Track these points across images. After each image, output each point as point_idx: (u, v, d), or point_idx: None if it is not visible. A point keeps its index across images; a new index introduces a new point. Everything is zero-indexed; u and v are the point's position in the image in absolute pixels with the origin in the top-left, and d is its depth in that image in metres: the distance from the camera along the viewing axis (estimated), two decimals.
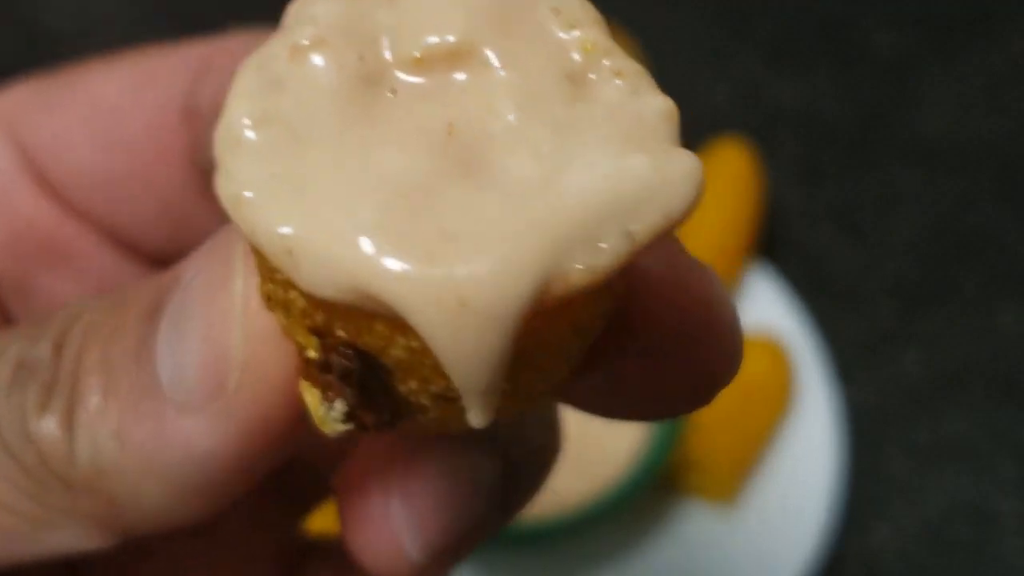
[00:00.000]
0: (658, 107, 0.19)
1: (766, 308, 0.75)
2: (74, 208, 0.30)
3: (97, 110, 0.29)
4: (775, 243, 0.80)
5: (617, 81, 0.19)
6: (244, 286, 0.22)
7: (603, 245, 0.18)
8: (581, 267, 0.18)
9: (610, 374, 0.23)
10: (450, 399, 0.20)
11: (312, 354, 0.21)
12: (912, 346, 0.77)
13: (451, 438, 0.26)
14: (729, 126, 0.81)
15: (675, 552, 0.69)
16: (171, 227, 0.30)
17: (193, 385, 0.22)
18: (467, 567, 0.68)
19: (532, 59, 0.19)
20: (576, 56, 0.19)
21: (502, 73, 0.19)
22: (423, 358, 0.19)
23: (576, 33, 0.19)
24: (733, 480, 0.69)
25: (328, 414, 0.21)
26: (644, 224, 0.18)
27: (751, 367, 0.70)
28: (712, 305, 0.24)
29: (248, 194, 0.18)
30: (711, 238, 0.72)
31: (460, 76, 0.19)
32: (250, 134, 0.18)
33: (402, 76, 0.19)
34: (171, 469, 0.22)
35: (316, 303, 0.19)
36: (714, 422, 0.69)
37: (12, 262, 0.30)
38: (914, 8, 0.91)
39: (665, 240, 0.21)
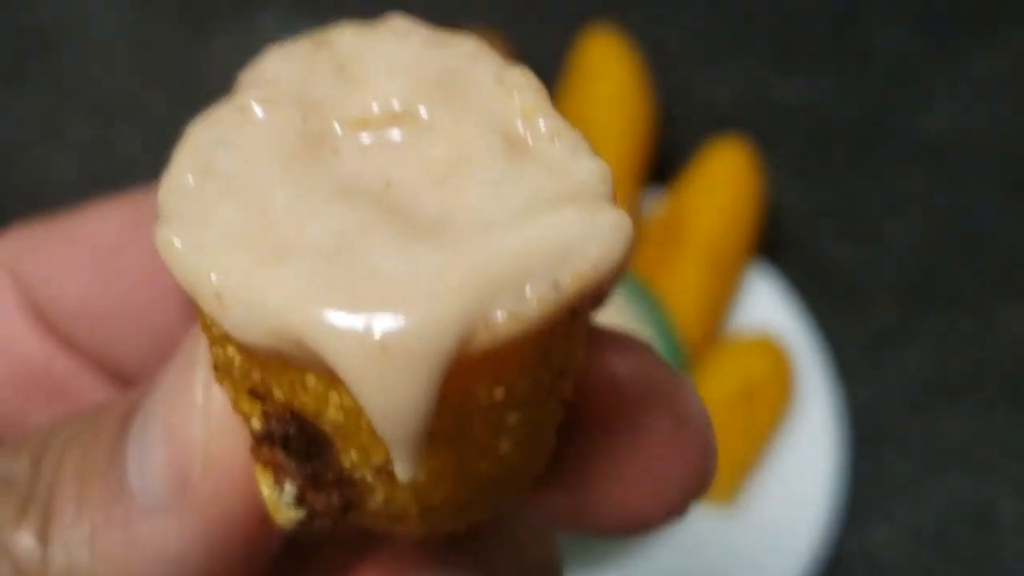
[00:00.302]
0: (593, 168, 0.19)
1: (767, 308, 0.75)
2: (72, 344, 0.31)
3: (94, 250, 0.30)
4: (776, 243, 0.80)
5: (555, 143, 0.20)
6: (204, 380, 0.22)
7: (530, 294, 0.18)
8: (505, 315, 0.18)
9: (576, 486, 0.23)
10: (392, 474, 0.20)
11: (256, 424, 0.21)
12: (913, 346, 0.77)
13: (434, 555, 0.25)
14: (729, 126, 0.81)
15: (675, 552, 0.69)
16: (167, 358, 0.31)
17: (159, 485, 0.22)
18: None
19: (472, 121, 0.20)
20: (515, 119, 0.20)
21: (441, 134, 0.20)
22: (359, 420, 0.19)
23: (516, 98, 0.20)
24: (733, 480, 0.69)
25: (280, 499, 0.21)
26: (571, 274, 0.18)
27: (751, 367, 0.70)
28: (684, 415, 0.24)
29: (178, 242, 0.19)
30: (711, 238, 0.72)
31: (400, 136, 0.20)
32: (189, 185, 0.19)
33: (344, 137, 0.20)
34: (144, 574, 0.23)
35: (251, 358, 0.20)
36: (714, 422, 0.69)
37: (9, 397, 0.31)
38: (916, 8, 0.91)
39: (638, 350, 0.22)
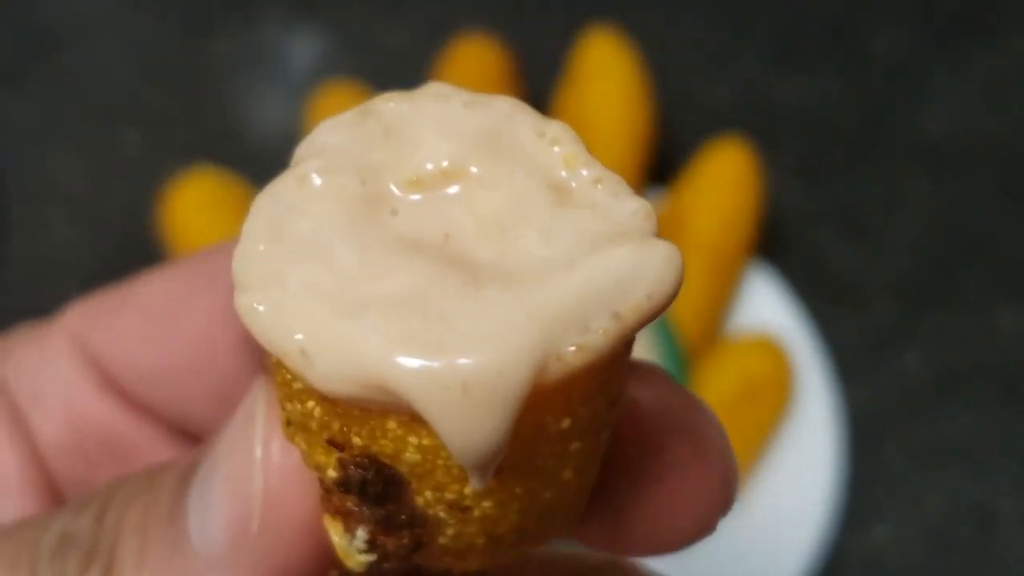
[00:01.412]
0: (636, 207, 0.21)
1: (766, 308, 0.75)
2: (135, 406, 0.32)
3: (154, 315, 0.31)
4: (775, 243, 0.80)
5: (598, 187, 0.21)
6: (263, 435, 0.23)
7: (594, 326, 0.20)
8: (574, 348, 0.19)
9: (612, 509, 0.24)
10: (465, 508, 0.21)
11: (332, 473, 0.21)
12: (913, 346, 0.77)
13: None
14: (729, 126, 0.81)
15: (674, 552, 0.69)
16: (228, 414, 0.32)
17: (219, 536, 0.23)
18: None
19: (518, 173, 0.21)
20: (559, 169, 0.21)
21: (491, 187, 0.21)
22: (435, 459, 0.20)
23: (557, 150, 0.21)
24: None
25: (351, 544, 0.22)
26: (630, 305, 0.20)
27: (751, 367, 0.70)
28: (703, 434, 0.25)
29: (260, 306, 0.20)
30: (711, 238, 0.73)
31: (453, 192, 0.21)
32: (262, 252, 0.20)
33: (401, 197, 0.21)
34: None
35: (331, 409, 0.21)
36: None
37: (76, 462, 0.32)
38: (916, 9, 0.91)
39: (657, 378, 0.24)
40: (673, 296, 0.20)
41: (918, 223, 0.82)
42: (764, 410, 0.70)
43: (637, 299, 0.20)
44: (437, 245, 0.21)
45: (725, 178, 0.75)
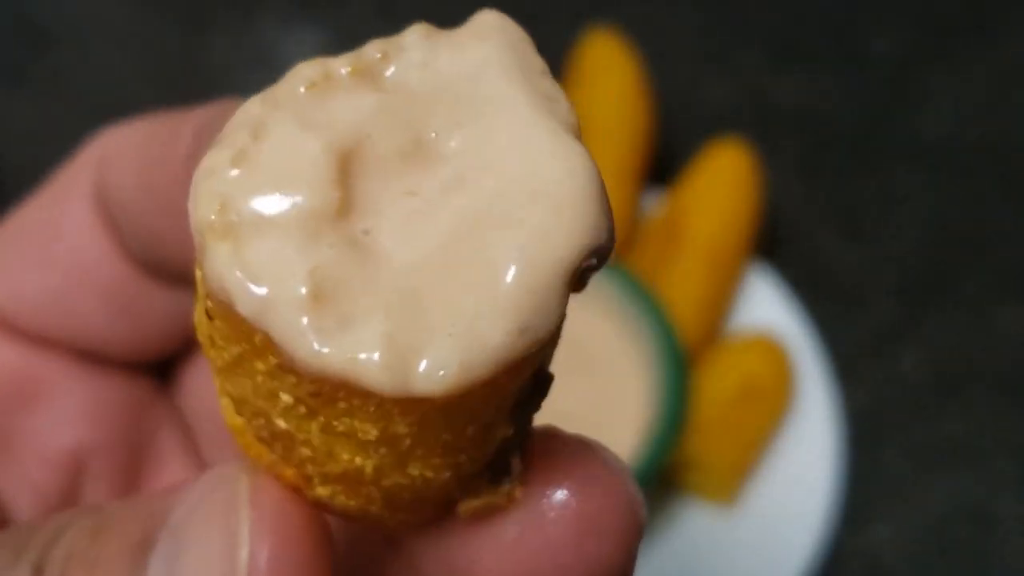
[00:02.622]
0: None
1: (766, 308, 0.75)
2: (36, 342, 0.31)
3: (24, 243, 0.30)
4: (775, 243, 0.80)
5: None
6: (252, 526, 0.21)
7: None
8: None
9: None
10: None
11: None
12: (912, 346, 0.77)
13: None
14: (729, 126, 0.81)
15: (674, 552, 0.69)
16: (126, 324, 0.31)
17: None
18: None
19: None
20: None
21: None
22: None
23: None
24: (733, 480, 0.69)
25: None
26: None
27: (751, 367, 0.70)
28: (614, 491, 0.23)
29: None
30: (711, 238, 0.72)
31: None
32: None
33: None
34: None
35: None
36: (714, 422, 0.69)
37: None
38: (915, 10, 0.91)
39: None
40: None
41: (917, 223, 0.82)
42: (764, 410, 0.70)
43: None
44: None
45: (725, 178, 0.75)
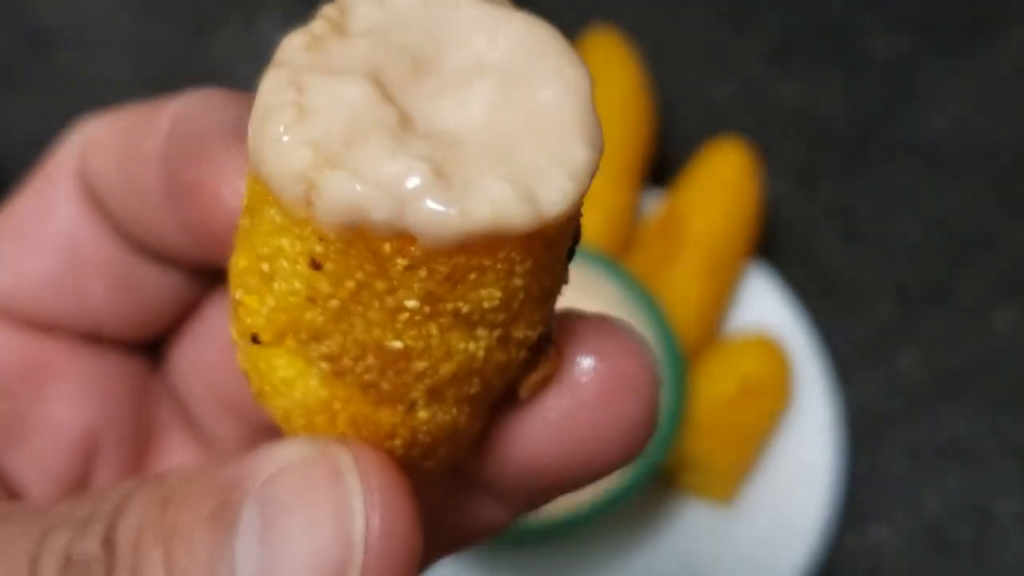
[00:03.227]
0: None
1: (765, 309, 0.75)
2: (39, 329, 0.31)
3: (18, 230, 0.31)
4: (774, 244, 0.80)
5: None
6: (365, 489, 0.21)
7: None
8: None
9: (535, 415, 0.24)
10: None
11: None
12: (911, 347, 0.77)
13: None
14: (729, 127, 0.81)
15: (673, 551, 0.69)
16: (124, 302, 0.31)
17: None
18: (464, 566, 0.68)
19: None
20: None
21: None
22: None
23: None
24: (731, 480, 0.69)
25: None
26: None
27: (749, 367, 0.70)
28: (632, 353, 0.25)
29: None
30: (710, 238, 0.73)
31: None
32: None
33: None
34: None
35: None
36: (713, 422, 0.69)
37: (2, 402, 0.31)
38: (915, 9, 0.91)
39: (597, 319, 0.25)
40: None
41: (917, 224, 0.82)
42: (763, 410, 0.70)
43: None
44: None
45: (724, 179, 0.75)
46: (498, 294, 0.21)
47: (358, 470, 0.21)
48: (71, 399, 0.31)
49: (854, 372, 0.76)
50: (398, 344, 0.21)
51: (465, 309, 0.21)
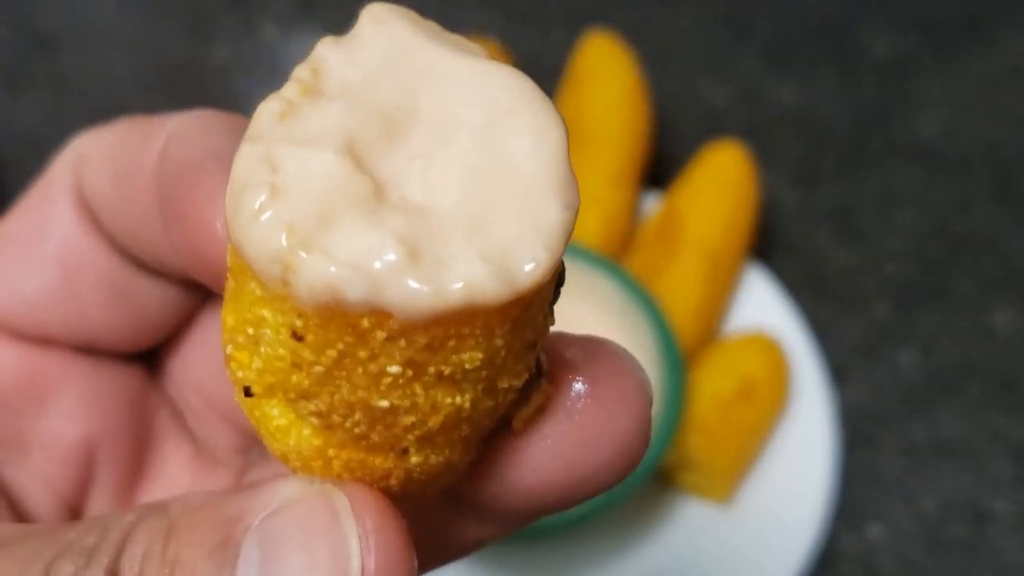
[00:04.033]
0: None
1: (763, 308, 0.75)
2: (38, 343, 0.31)
3: (17, 247, 0.31)
4: (772, 244, 0.80)
5: None
6: (362, 529, 0.22)
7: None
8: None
9: (531, 437, 0.25)
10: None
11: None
12: (908, 346, 0.78)
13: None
14: (727, 128, 0.81)
15: (671, 550, 0.69)
16: (121, 314, 0.31)
17: None
18: (464, 565, 0.68)
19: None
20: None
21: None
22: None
23: None
24: (729, 479, 0.70)
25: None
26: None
27: (747, 366, 0.71)
28: (622, 373, 0.25)
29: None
30: (708, 239, 0.73)
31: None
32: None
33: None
34: None
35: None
36: (710, 422, 0.69)
37: (1, 416, 0.31)
38: (912, 11, 0.91)
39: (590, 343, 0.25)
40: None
41: (914, 224, 0.82)
42: (760, 409, 0.70)
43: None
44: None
45: (722, 179, 0.75)
46: (480, 355, 0.22)
47: (354, 513, 0.22)
48: (70, 411, 0.32)
49: (851, 372, 0.76)
50: (384, 403, 0.22)
51: (448, 371, 0.22)
